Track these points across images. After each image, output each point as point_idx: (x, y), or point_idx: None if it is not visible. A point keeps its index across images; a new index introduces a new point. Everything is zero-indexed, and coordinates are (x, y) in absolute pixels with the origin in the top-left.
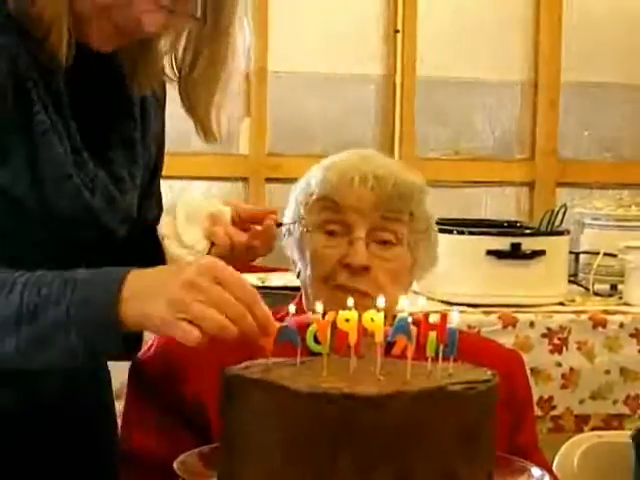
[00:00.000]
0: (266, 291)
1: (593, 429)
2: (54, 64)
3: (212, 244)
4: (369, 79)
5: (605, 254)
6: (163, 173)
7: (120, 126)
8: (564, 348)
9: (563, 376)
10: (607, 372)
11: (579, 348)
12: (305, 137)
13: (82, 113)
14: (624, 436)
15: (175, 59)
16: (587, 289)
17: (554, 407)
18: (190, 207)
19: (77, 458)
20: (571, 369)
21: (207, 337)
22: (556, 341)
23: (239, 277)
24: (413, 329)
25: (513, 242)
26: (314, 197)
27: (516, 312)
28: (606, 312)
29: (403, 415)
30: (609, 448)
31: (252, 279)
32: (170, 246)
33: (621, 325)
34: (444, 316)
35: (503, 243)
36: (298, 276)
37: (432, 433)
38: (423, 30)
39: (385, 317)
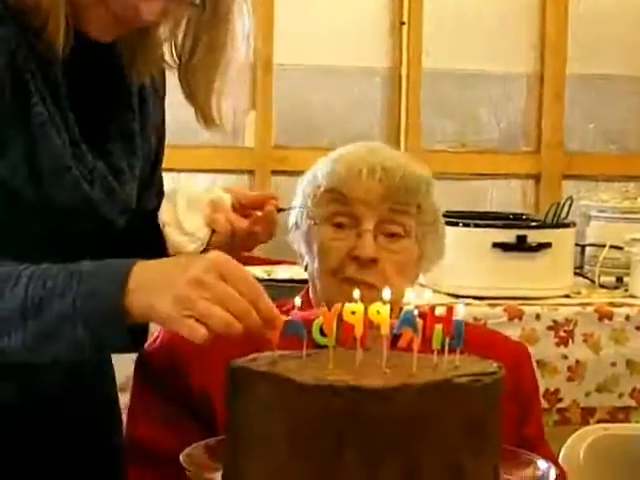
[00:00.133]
0: (272, 284)
1: (599, 421)
2: (52, 54)
3: (213, 231)
4: (375, 72)
5: (611, 246)
6: (167, 165)
7: (119, 117)
8: (570, 341)
9: (569, 369)
10: (613, 365)
11: (585, 340)
12: (311, 130)
13: (80, 104)
14: (630, 429)
15: (174, 46)
16: (593, 281)
17: (560, 400)
18: (191, 194)
19: (80, 452)
20: (577, 362)
21: (213, 334)
22: (562, 334)
23: (244, 272)
24: (419, 322)
25: (519, 234)
26: (321, 189)
27: (522, 305)
28: (612, 304)
29: (409, 408)
30: (615, 441)
31: (258, 272)
32: (171, 233)
33: (627, 317)
34: (450, 308)
35: (509, 236)
36: (306, 269)
37: (438, 426)
38: (429, 22)
39: (391, 310)
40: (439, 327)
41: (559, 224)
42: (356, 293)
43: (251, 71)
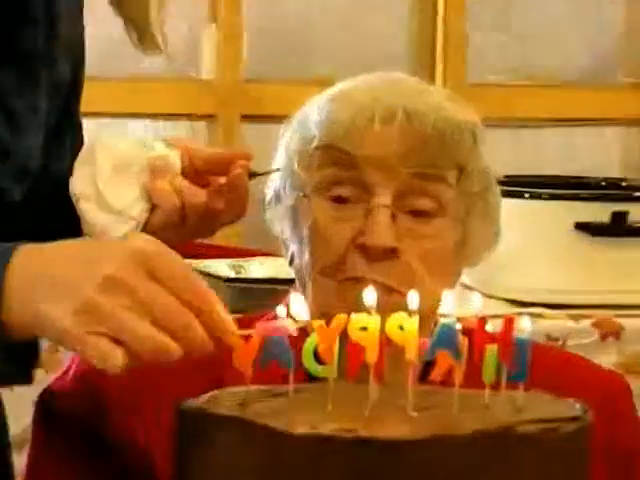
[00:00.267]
0: (242, 285)
1: None
2: None
3: (153, 207)
4: None
5: None
6: (85, 108)
7: (13, 32)
8: None
9: None
10: None
11: None
12: (299, 54)
13: None
14: None
15: None
16: None
17: None
18: (118, 152)
19: None
20: None
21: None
22: None
23: (182, 265)
24: (463, 341)
25: (616, 211)
26: (314, 145)
27: (620, 316)
28: None
29: (448, 470)
30: None
31: (222, 268)
32: (89, 211)
33: None
34: (510, 322)
35: (600, 212)
36: (291, 263)
37: None
38: None
39: (420, 324)
40: (493, 350)
41: None
42: (369, 297)
43: None
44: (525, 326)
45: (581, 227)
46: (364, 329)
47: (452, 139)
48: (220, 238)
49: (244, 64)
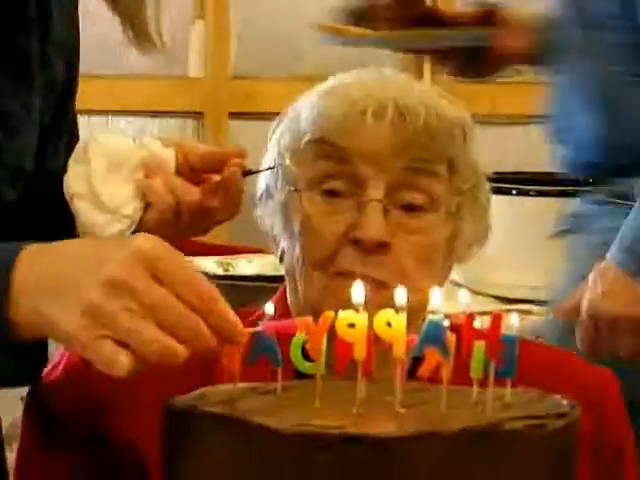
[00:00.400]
0: (231, 283)
1: None
2: None
3: (147, 205)
4: None
5: None
6: (77, 105)
7: (7, 32)
8: None
9: None
10: None
11: None
12: (287, 51)
13: None
14: None
15: None
16: None
17: None
18: (112, 150)
19: None
20: None
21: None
22: None
23: (187, 266)
24: (451, 338)
25: None
26: (306, 139)
27: None
28: None
29: (436, 466)
30: None
31: (211, 265)
32: (83, 210)
33: None
34: (497, 318)
35: None
36: (281, 260)
37: None
38: None
39: (409, 320)
40: (480, 346)
41: None
42: (357, 293)
43: None
44: (513, 323)
45: None
46: (352, 326)
47: (443, 134)
48: (208, 235)
49: (232, 61)
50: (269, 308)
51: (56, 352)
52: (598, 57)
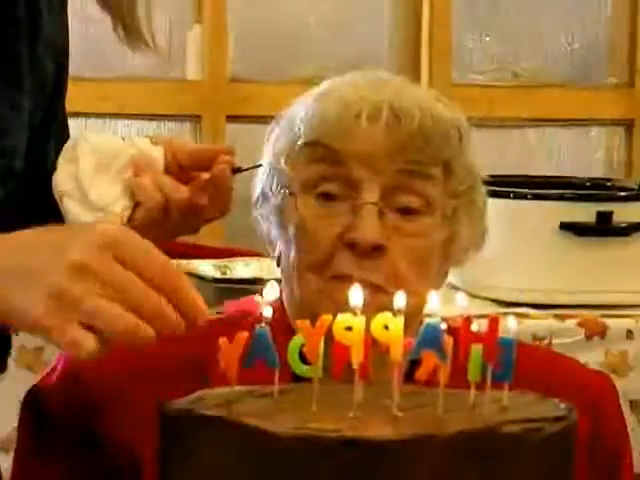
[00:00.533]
0: (228, 286)
1: None
2: None
3: (136, 204)
4: None
5: None
6: (71, 109)
7: None
8: None
9: None
10: None
11: None
12: (284, 54)
13: None
14: None
15: None
16: None
17: None
18: (101, 149)
19: None
20: None
21: (107, 345)
22: None
23: (149, 248)
24: (448, 341)
25: (600, 211)
26: (300, 143)
27: (605, 316)
28: None
29: (434, 469)
30: None
31: (207, 268)
32: (72, 209)
33: None
34: (495, 321)
35: (586, 212)
36: (278, 263)
37: None
38: None
39: (406, 323)
40: (478, 349)
41: None
42: (354, 296)
43: None
44: (510, 326)
45: (566, 227)
46: (349, 329)
47: (438, 136)
48: (205, 238)
49: (229, 64)
50: (266, 311)
51: (52, 357)
52: None
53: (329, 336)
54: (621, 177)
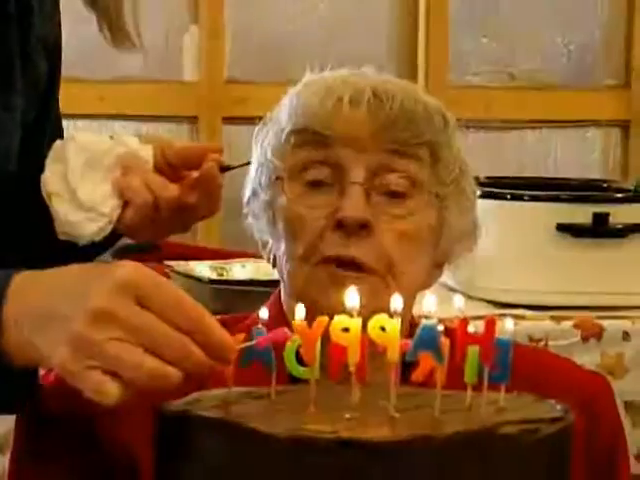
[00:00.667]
0: (224, 287)
1: None
2: None
3: (125, 203)
4: None
5: None
6: (68, 110)
7: None
8: None
9: None
10: None
11: None
12: (281, 55)
13: None
14: None
15: None
16: None
17: None
18: (90, 147)
19: None
20: None
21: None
22: None
23: (171, 289)
24: (445, 342)
25: (597, 212)
26: (287, 131)
27: (602, 317)
28: None
29: (430, 471)
30: None
31: (204, 270)
32: (61, 208)
33: None
34: (491, 323)
35: (582, 214)
36: (274, 265)
37: None
38: None
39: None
40: (474, 351)
41: None
42: (350, 297)
43: None
44: (507, 327)
45: (562, 228)
46: (346, 330)
47: (421, 117)
48: (202, 240)
49: (226, 65)
50: (263, 313)
51: None
52: None
53: (326, 337)
54: (617, 178)
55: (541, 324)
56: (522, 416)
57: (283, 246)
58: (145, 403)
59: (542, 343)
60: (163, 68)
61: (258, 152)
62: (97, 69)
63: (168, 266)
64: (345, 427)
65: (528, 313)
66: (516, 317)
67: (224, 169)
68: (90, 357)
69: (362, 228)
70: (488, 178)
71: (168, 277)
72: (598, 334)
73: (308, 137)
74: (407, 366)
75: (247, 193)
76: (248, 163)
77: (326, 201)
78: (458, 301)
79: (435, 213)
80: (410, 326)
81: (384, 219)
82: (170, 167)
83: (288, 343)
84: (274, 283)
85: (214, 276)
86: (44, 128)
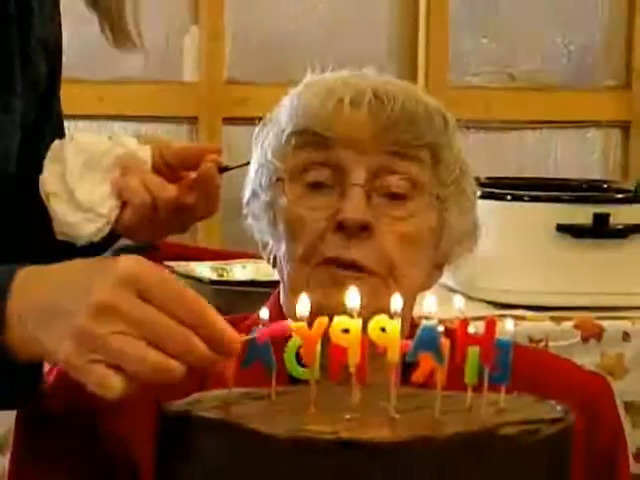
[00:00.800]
0: (225, 288)
1: None
2: None
3: (124, 204)
4: None
5: None
6: (68, 111)
7: None
8: None
9: None
10: None
11: None
12: (281, 56)
13: None
14: None
15: None
16: None
17: None
18: (88, 149)
19: None
20: None
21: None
22: None
23: (173, 282)
24: (445, 343)
25: (597, 213)
26: (287, 132)
27: (602, 318)
28: None
29: (430, 471)
30: None
31: (205, 270)
32: (59, 209)
33: None
34: (492, 324)
35: (582, 214)
36: (274, 266)
37: None
38: None
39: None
40: (475, 352)
41: None
42: (351, 297)
43: None
44: (507, 328)
45: (563, 229)
46: (346, 331)
47: (422, 119)
48: (202, 241)
49: (226, 66)
50: (263, 313)
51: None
52: None
53: (326, 338)
54: (618, 179)
55: (541, 325)
56: (522, 417)
57: (283, 247)
58: (147, 397)
59: (542, 344)
60: (163, 69)
61: (258, 153)
62: (97, 70)
63: (168, 267)
64: (345, 428)
65: (528, 314)
66: (516, 318)
67: (222, 170)
68: (93, 351)
69: (363, 230)
70: (488, 179)
71: None
72: (598, 335)
73: (309, 138)
74: (407, 367)
75: (247, 194)
76: (247, 163)
77: (327, 203)
78: (458, 302)
79: (436, 215)
80: (410, 327)
81: (385, 221)
82: (168, 168)
83: (289, 343)
84: (274, 284)
85: (215, 277)
86: (43, 130)
